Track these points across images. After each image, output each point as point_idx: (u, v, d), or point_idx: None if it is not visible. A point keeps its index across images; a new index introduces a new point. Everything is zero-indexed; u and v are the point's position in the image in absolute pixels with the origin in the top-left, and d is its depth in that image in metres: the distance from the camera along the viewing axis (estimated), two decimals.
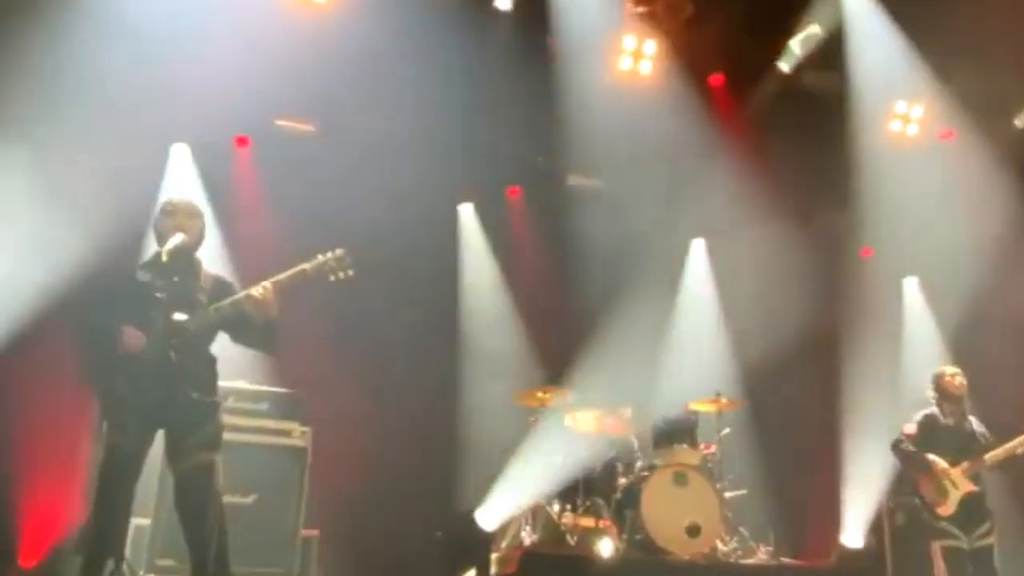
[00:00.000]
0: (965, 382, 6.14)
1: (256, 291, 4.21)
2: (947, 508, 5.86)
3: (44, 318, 6.06)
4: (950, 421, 6.08)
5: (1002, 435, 6.01)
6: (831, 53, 7.84)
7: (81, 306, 4.48)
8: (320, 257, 4.37)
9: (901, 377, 8.14)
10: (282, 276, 4.30)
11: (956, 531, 5.84)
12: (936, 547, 5.87)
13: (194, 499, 4.16)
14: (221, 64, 6.52)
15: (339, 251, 4.39)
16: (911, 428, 6.12)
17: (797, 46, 7.89)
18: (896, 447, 6.13)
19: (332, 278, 4.36)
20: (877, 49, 7.76)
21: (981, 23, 7.01)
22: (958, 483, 5.88)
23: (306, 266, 4.35)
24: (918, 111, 8.41)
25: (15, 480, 6.04)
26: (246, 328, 4.30)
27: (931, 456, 5.95)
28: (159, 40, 6.50)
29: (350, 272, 4.38)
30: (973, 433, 6.09)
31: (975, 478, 5.93)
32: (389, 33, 7.12)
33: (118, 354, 4.09)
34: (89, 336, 4.20)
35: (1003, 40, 7.19)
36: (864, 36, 7.77)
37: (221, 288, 4.36)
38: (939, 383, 6.17)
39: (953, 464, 5.93)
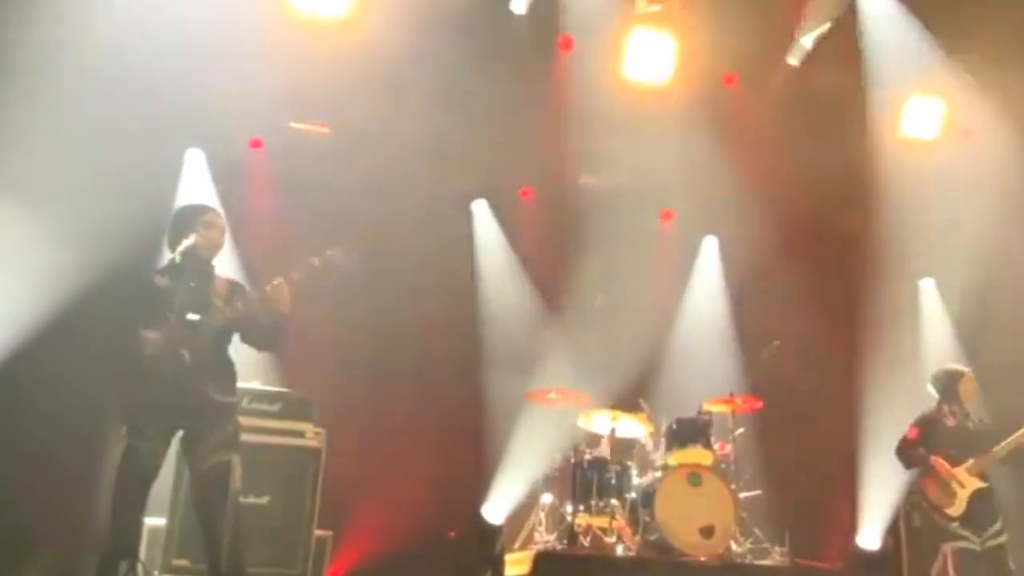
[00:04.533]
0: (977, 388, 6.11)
1: (268, 289, 4.26)
2: (956, 508, 5.81)
3: (64, 323, 6.11)
4: (951, 421, 6.03)
5: (1010, 430, 5.96)
6: (845, 48, 7.79)
7: (100, 312, 4.52)
8: (328, 252, 4.41)
9: (918, 378, 8.06)
10: (292, 273, 4.35)
11: (967, 532, 5.79)
12: (947, 549, 5.82)
13: (212, 498, 4.21)
14: (235, 68, 6.56)
15: (346, 244, 4.44)
16: (912, 432, 6.08)
17: (809, 41, 7.84)
18: (899, 452, 6.10)
19: (341, 270, 4.40)
20: (892, 43, 7.68)
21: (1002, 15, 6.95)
22: (965, 482, 5.84)
23: (314, 260, 4.40)
24: (935, 107, 8.32)
25: (29, 481, 6.10)
26: (255, 327, 4.35)
27: (934, 458, 5.91)
28: (173, 45, 6.54)
29: (358, 264, 4.42)
30: (976, 430, 6.04)
31: (982, 475, 5.88)
32: (403, 35, 7.14)
33: (136, 358, 4.14)
34: (108, 341, 4.26)
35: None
36: (878, 30, 7.70)
37: (234, 291, 4.42)
38: (952, 384, 6.10)
39: (957, 463, 5.87)
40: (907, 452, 6.06)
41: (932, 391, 6.21)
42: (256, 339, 4.46)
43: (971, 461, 5.85)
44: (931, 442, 5.97)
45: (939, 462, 5.89)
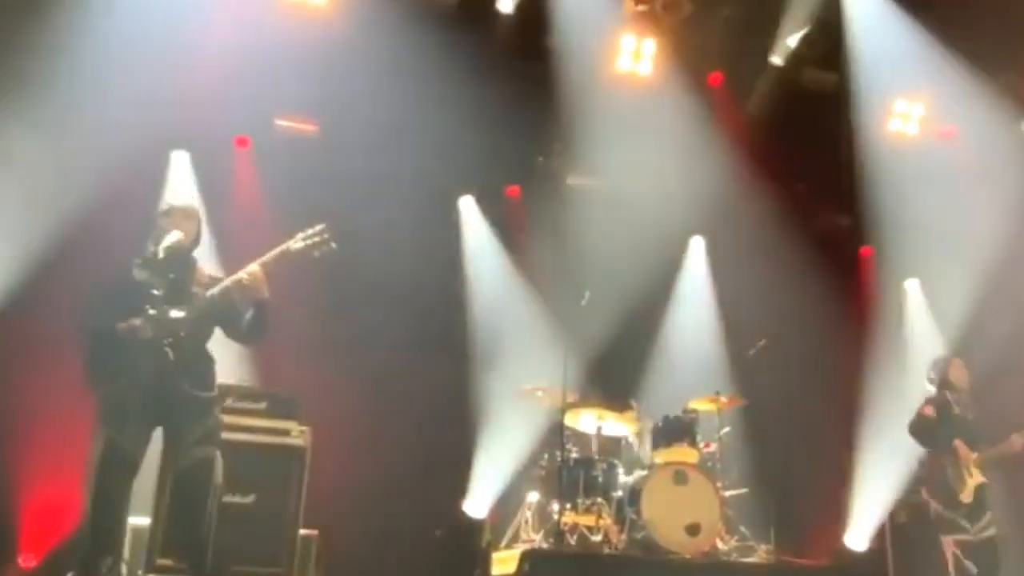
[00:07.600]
0: (968, 374, 6.13)
1: (243, 274, 4.24)
2: (966, 496, 5.84)
3: (45, 319, 6.08)
4: (958, 411, 6.06)
5: (1003, 434, 6.00)
6: (832, 49, 7.82)
7: (80, 308, 4.50)
8: (301, 234, 4.39)
9: (905, 377, 8.10)
10: (267, 257, 4.34)
11: (965, 523, 5.83)
12: (948, 540, 5.84)
13: (193, 494, 4.19)
14: (221, 64, 6.54)
15: (319, 226, 4.42)
16: (928, 409, 6.02)
17: (793, 41, 7.86)
18: (918, 429, 5.99)
19: (316, 254, 4.38)
20: (877, 43, 7.72)
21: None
22: (972, 472, 5.88)
23: (289, 244, 4.38)
24: (919, 108, 8.36)
25: (15, 480, 6.06)
26: (236, 317, 4.33)
27: (958, 440, 5.90)
28: (159, 42, 6.51)
29: (333, 245, 4.40)
30: (976, 423, 6.07)
31: (982, 469, 5.92)
32: (390, 33, 7.14)
33: (117, 354, 4.12)
34: (88, 337, 4.24)
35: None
36: (864, 30, 7.73)
37: (215, 285, 4.38)
38: (942, 371, 6.11)
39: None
40: (928, 430, 5.93)
41: (929, 386, 6.22)
42: (239, 332, 4.43)
43: (976, 454, 5.91)
44: (945, 425, 5.96)
45: (961, 445, 5.90)
